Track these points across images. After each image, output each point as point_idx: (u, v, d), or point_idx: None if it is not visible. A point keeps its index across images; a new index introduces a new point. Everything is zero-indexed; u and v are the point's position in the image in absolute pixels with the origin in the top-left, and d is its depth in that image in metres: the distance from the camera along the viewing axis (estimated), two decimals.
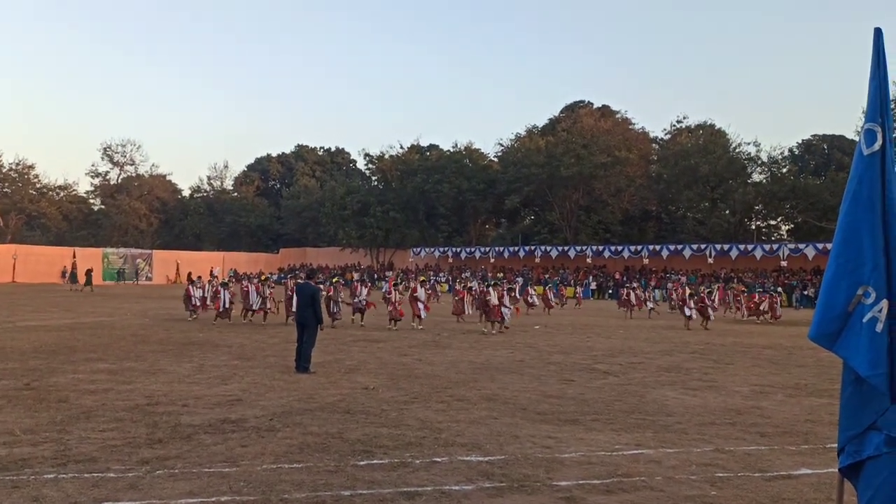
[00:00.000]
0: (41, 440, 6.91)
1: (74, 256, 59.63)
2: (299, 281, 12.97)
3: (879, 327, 2.75)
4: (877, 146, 2.87)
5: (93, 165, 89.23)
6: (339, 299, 22.36)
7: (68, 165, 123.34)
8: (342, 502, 5.22)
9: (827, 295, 2.94)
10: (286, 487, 5.54)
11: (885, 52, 2.92)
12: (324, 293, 19.31)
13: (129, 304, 31.22)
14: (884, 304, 2.76)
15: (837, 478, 3.09)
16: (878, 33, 2.90)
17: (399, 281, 28.79)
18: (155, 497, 5.26)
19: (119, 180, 77.72)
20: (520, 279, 49.86)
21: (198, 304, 23.50)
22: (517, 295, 26.52)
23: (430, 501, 5.27)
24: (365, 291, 22.73)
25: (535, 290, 33.46)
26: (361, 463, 6.30)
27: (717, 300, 31.20)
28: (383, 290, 22.75)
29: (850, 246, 2.88)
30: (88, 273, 45.15)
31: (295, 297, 12.65)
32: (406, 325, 21.31)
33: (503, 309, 20.94)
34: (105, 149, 77.21)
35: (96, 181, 78.05)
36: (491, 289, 21.42)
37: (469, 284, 29.59)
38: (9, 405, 8.62)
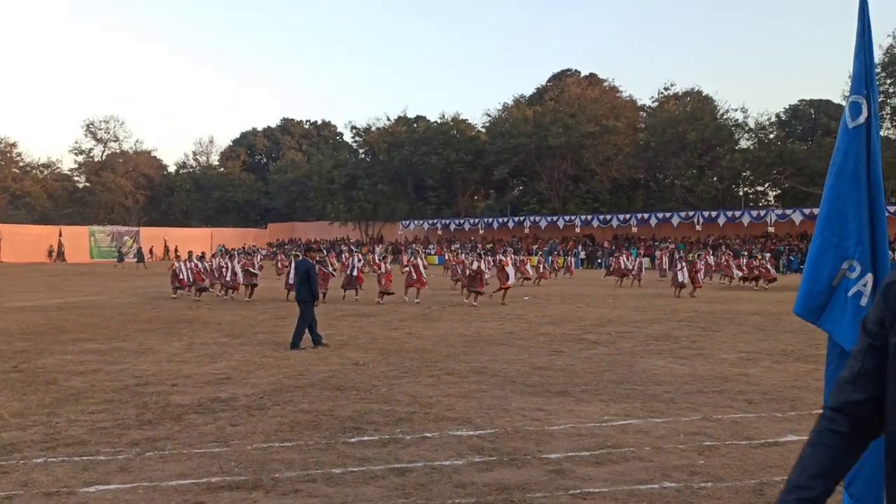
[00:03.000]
0: (30, 424, 6.88)
1: (61, 235, 59.34)
2: (296, 256, 12.86)
3: (864, 301, 2.75)
4: (862, 119, 2.84)
5: (76, 142, 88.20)
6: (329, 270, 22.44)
7: (51, 143, 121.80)
8: (333, 480, 5.24)
9: (812, 269, 2.93)
10: (277, 466, 5.55)
11: (871, 23, 2.88)
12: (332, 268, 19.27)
13: (117, 283, 31.10)
14: (868, 277, 2.75)
15: None
16: (863, 3, 2.86)
17: (385, 253, 28.86)
18: (145, 479, 5.26)
19: (103, 157, 77.04)
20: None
21: (187, 282, 23.19)
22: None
23: (421, 477, 5.29)
24: (357, 263, 22.70)
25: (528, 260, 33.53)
26: (352, 440, 6.32)
27: (702, 270, 31.44)
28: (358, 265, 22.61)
29: (834, 220, 2.87)
30: (139, 251, 52.25)
31: (292, 273, 12.53)
32: (397, 299, 21.35)
33: (508, 270, 21.18)
34: (88, 125, 76.59)
35: (80, 158, 77.44)
36: (475, 260, 21.42)
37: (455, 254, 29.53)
38: None
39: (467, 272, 21.45)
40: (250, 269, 23.19)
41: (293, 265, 12.95)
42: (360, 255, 23.50)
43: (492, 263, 25.36)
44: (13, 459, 5.74)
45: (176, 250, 50.06)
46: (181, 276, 23.04)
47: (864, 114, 2.86)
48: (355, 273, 22.06)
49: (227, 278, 22.73)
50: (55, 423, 6.94)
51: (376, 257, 26.92)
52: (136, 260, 52.20)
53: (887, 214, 3.09)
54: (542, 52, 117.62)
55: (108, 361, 10.61)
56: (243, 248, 51.48)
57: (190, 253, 25.45)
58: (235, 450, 6.01)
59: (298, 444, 6.20)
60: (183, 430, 6.65)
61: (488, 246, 55.13)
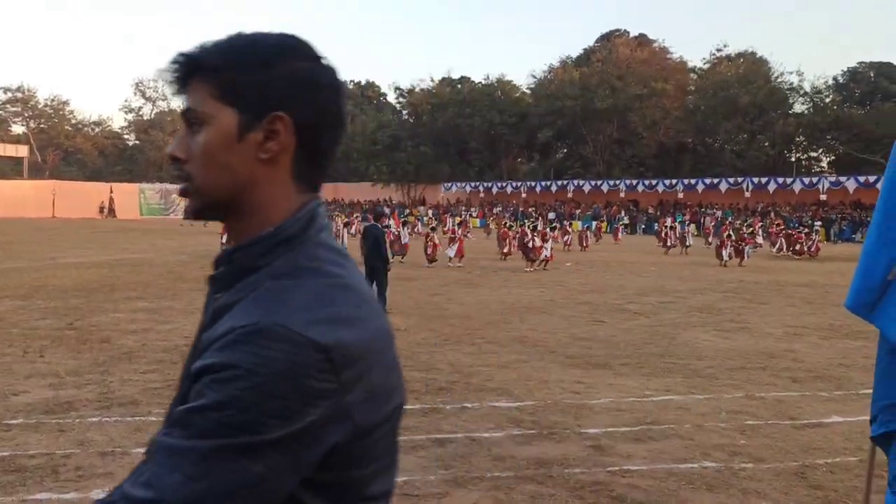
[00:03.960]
0: (85, 382, 7.15)
1: (112, 192, 60.78)
2: (367, 223, 13.00)
3: None
4: None
5: (126, 101, 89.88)
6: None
7: (102, 101, 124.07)
8: None
9: (866, 264, 2.86)
10: None
11: None
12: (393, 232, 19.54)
13: (165, 241, 31.81)
14: None
15: (869, 446, 3.08)
16: None
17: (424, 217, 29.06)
18: None
19: (152, 115, 78.24)
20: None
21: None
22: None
23: (461, 448, 5.38)
24: (407, 232, 23.13)
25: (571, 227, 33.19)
26: None
27: (759, 237, 30.92)
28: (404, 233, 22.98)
29: (891, 216, 2.78)
30: None
31: (361, 240, 12.51)
32: (442, 263, 21.60)
33: (544, 245, 21.21)
34: (137, 84, 77.64)
35: (130, 117, 78.81)
36: (530, 230, 21.60)
37: (510, 223, 29.42)
38: (52, 345, 8.91)
39: (525, 241, 21.68)
40: None
41: (363, 232, 12.95)
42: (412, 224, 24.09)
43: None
44: (70, 418, 5.98)
45: None
46: None
47: None
48: (405, 241, 22.57)
49: None
50: (109, 382, 7.19)
51: (419, 227, 27.06)
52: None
53: None
54: (591, 11, 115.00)
55: (158, 320, 10.92)
56: None
57: None
58: None
59: None
60: None
61: (531, 209, 54.86)
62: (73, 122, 74.59)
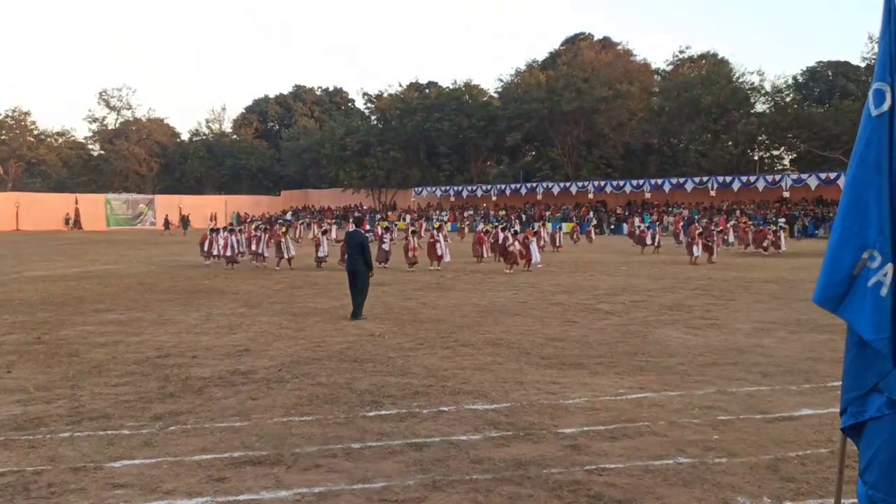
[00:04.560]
0: (55, 397, 7.03)
1: (77, 203, 59.81)
2: (349, 229, 13.03)
3: (884, 291, 2.75)
4: (885, 107, 2.81)
5: (90, 111, 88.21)
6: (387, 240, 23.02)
7: (65, 112, 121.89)
8: (353, 455, 5.34)
9: (832, 257, 2.93)
10: (297, 441, 5.66)
11: None
12: (372, 239, 19.59)
13: (134, 251, 31.36)
14: (889, 268, 2.75)
15: (840, 437, 3.15)
16: None
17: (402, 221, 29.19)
18: (169, 454, 5.38)
19: (117, 125, 77.15)
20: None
21: (218, 252, 23.13)
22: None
23: (439, 452, 5.39)
24: (388, 237, 23.22)
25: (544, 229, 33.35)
26: (370, 414, 6.42)
27: (730, 235, 31.46)
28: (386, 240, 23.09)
29: (856, 208, 2.86)
30: (184, 219, 54.07)
31: (344, 246, 12.58)
32: (422, 266, 22.04)
33: (532, 249, 21.69)
34: (101, 93, 76.76)
35: (94, 126, 77.66)
36: (505, 232, 21.92)
37: (485, 227, 29.55)
38: (21, 360, 8.75)
39: (504, 244, 22.08)
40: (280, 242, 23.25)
41: (346, 237, 12.98)
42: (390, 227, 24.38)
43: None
44: (40, 434, 5.88)
45: (212, 217, 52.52)
46: (214, 248, 23.02)
47: (888, 102, 2.83)
48: (387, 247, 22.67)
49: (260, 250, 23.26)
50: (79, 396, 7.08)
51: (395, 232, 27.10)
52: (181, 227, 53.80)
53: None
54: (556, 15, 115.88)
55: (128, 332, 10.77)
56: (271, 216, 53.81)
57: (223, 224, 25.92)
58: (256, 424, 6.12)
59: (318, 417, 6.31)
60: (204, 404, 6.77)
61: (501, 213, 55.12)
62: (36, 133, 73.16)
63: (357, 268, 12.11)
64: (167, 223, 54.25)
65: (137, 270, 21.89)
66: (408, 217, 54.66)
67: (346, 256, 12.49)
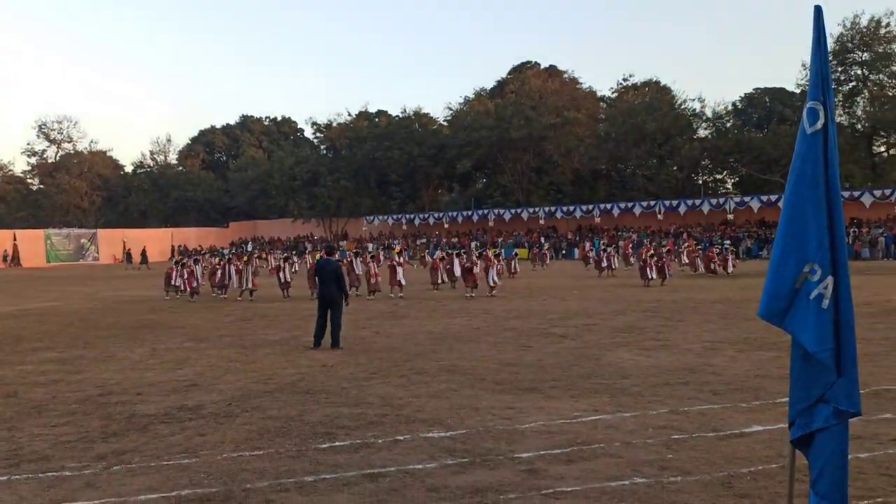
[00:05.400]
0: None
1: (15, 239, 57.98)
2: (322, 256, 12.98)
3: (825, 304, 2.82)
4: (819, 125, 2.90)
5: (28, 144, 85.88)
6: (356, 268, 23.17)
7: (2, 145, 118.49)
8: (306, 489, 5.21)
9: (775, 272, 2.99)
10: (248, 476, 5.50)
11: (826, 31, 2.94)
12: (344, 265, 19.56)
13: (77, 287, 30.46)
14: (829, 280, 2.82)
15: (789, 449, 3.19)
16: (818, 11, 2.92)
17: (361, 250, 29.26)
18: (113, 495, 5.16)
19: (57, 158, 75.22)
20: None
21: (181, 285, 23.20)
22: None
23: (395, 482, 5.29)
24: (360, 263, 23.38)
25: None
26: (323, 446, 6.29)
27: (684, 256, 32.23)
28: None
29: (795, 224, 2.93)
30: (143, 253, 51.55)
31: (317, 275, 12.44)
32: (384, 293, 21.95)
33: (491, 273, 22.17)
34: (40, 126, 74.64)
35: (33, 160, 75.53)
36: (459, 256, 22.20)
37: (442, 254, 29.64)
38: None
39: (463, 267, 22.66)
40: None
41: (318, 266, 12.87)
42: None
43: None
44: None
45: (177, 249, 51.20)
46: (177, 279, 23.14)
47: (822, 119, 2.92)
48: (358, 272, 23.02)
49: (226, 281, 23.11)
50: (17, 438, 6.78)
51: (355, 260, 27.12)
52: (140, 262, 51.46)
53: (842, 200, 3.16)
54: (502, 44, 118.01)
55: (69, 371, 10.40)
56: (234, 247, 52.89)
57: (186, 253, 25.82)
58: (205, 460, 5.93)
59: (269, 451, 6.15)
60: (150, 442, 6.54)
61: (454, 240, 55.27)
62: None
63: (334, 298, 12.00)
64: (129, 257, 53.05)
65: (80, 307, 21.24)
66: (370, 245, 54.16)
67: (318, 286, 12.40)
